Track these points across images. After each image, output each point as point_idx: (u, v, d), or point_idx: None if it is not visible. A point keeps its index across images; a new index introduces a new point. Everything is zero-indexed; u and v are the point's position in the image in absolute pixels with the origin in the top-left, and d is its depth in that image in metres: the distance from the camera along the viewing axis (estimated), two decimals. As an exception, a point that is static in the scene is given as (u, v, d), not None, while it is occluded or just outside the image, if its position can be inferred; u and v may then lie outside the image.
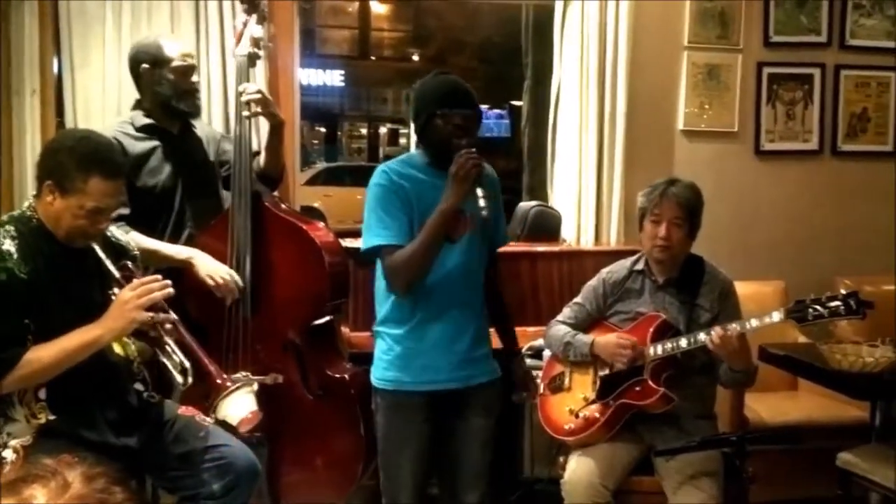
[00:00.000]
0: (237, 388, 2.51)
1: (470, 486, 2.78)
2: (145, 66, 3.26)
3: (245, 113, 3.19)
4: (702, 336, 2.77)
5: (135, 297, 2.38)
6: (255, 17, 3.27)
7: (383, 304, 2.75)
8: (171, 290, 2.43)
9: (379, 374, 2.75)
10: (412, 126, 2.75)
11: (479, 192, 2.52)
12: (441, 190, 2.59)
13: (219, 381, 2.49)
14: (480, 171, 2.54)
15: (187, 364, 2.45)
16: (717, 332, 2.73)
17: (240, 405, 2.52)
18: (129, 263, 2.54)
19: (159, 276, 2.46)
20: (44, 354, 2.34)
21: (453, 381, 2.71)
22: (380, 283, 2.75)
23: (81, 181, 2.37)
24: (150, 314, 2.39)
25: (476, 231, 2.71)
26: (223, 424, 2.63)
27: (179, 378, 2.45)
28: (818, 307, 2.64)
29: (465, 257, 2.68)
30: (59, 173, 2.39)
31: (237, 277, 3.13)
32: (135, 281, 2.44)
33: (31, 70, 3.81)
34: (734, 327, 2.72)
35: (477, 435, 2.77)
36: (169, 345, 2.46)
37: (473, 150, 2.56)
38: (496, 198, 2.81)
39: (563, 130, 4.32)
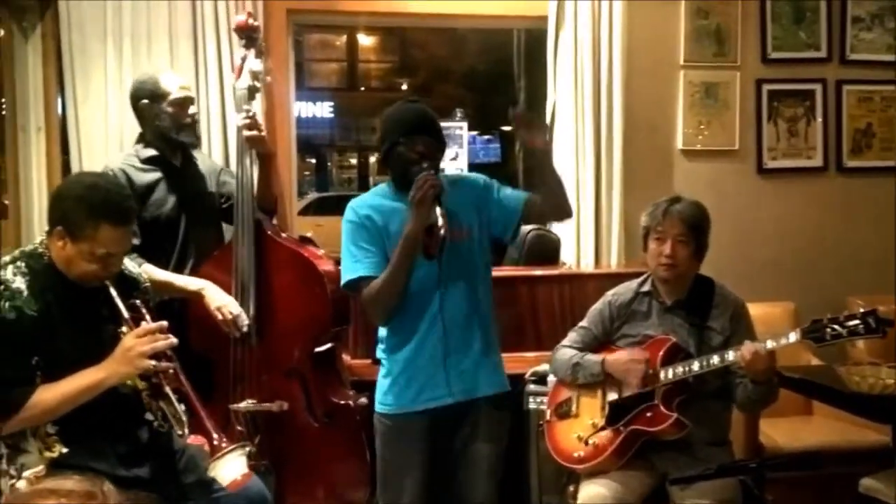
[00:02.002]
0: (231, 451, 2.52)
1: None
2: (144, 101, 3.34)
3: (245, 133, 3.26)
4: (730, 355, 2.69)
5: (139, 345, 2.39)
6: (253, 51, 3.36)
7: (380, 330, 2.81)
8: (174, 340, 2.44)
9: (379, 399, 2.79)
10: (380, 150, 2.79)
11: (438, 210, 2.55)
12: (408, 211, 2.64)
13: (214, 442, 2.49)
14: (439, 191, 2.57)
15: (184, 417, 2.47)
16: (748, 347, 2.64)
17: (231, 468, 2.52)
18: (138, 302, 2.56)
19: (165, 324, 2.47)
20: (48, 396, 2.36)
21: (453, 395, 2.70)
22: None
23: (91, 229, 2.38)
24: (153, 362, 2.40)
25: (463, 239, 2.72)
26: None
27: (176, 428, 2.48)
28: (836, 327, 2.56)
29: (451, 268, 2.69)
30: (68, 220, 2.40)
31: (244, 317, 3.18)
32: (142, 326, 2.46)
33: (35, 107, 3.91)
34: (769, 343, 2.64)
35: (481, 463, 2.74)
36: (168, 394, 2.47)
37: (432, 171, 2.61)
38: (483, 194, 2.81)
39: (558, 153, 4.27)
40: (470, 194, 2.79)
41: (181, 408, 2.48)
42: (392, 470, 2.74)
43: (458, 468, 2.74)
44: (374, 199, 2.79)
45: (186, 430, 2.48)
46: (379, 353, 2.82)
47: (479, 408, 2.73)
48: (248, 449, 2.68)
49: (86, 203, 2.39)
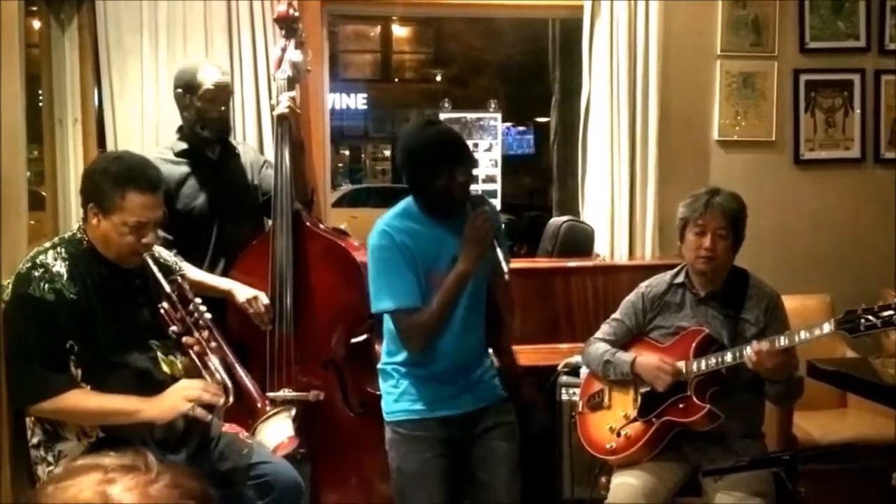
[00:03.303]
0: (276, 413, 2.52)
1: None
2: (179, 90, 3.36)
3: (280, 111, 3.28)
4: (748, 350, 2.67)
5: (190, 388, 2.46)
6: (293, 41, 3.36)
7: (390, 343, 2.77)
8: (222, 400, 2.48)
9: (389, 408, 2.76)
10: (404, 176, 2.72)
11: (500, 253, 2.56)
12: (441, 239, 2.64)
13: (258, 405, 2.51)
14: (497, 232, 2.58)
15: (229, 383, 2.50)
16: (753, 347, 2.63)
17: (277, 430, 2.52)
18: (179, 279, 2.61)
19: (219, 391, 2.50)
20: (86, 404, 2.44)
21: (464, 406, 2.73)
22: (388, 324, 2.75)
23: (119, 198, 2.43)
24: (191, 404, 2.44)
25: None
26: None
27: (221, 398, 2.50)
28: (871, 317, 2.53)
29: (473, 290, 2.70)
30: (97, 195, 2.47)
31: (265, 300, 3.19)
32: (201, 382, 2.48)
33: (72, 100, 3.93)
34: (782, 340, 2.61)
35: (502, 461, 2.74)
36: (212, 362, 2.51)
37: (486, 208, 2.61)
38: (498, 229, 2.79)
39: (593, 144, 4.27)
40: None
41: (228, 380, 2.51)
42: (408, 479, 2.71)
43: (479, 470, 2.73)
44: (405, 222, 2.69)
45: (231, 399, 2.50)
46: (387, 366, 2.78)
47: (488, 413, 2.75)
48: (293, 412, 2.69)
49: (110, 174, 2.46)
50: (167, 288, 2.51)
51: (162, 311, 2.51)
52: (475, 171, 2.76)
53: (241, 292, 3.18)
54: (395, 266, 2.63)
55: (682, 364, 2.79)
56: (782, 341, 2.61)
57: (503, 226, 2.89)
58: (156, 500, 1.07)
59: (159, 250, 2.77)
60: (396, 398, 2.74)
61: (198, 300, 2.55)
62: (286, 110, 3.26)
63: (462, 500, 2.76)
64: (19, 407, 2.46)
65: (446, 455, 2.70)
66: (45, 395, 2.41)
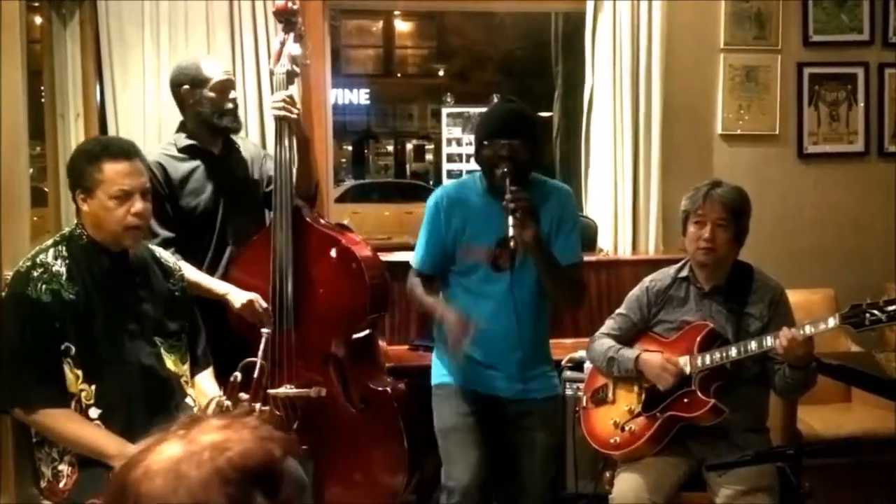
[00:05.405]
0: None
1: (527, 501, 2.83)
2: (185, 86, 3.33)
3: (275, 113, 3.26)
4: (768, 341, 2.66)
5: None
6: (292, 35, 3.34)
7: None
8: None
9: (433, 370, 2.96)
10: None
11: (510, 220, 2.53)
12: (491, 215, 2.68)
13: None
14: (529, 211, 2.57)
15: None
16: (785, 333, 2.62)
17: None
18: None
19: None
20: (62, 428, 2.41)
21: (502, 391, 2.83)
22: (442, 294, 2.89)
23: (97, 172, 2.45)
24: None
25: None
26: None
27: None
28: (876, 312, 2.53)
29: (521, 282, 2.74)
30: (78, 178, 2.49)
31: (262, 303, 3.17)
32: None
33: (74, 94, 3.92)
34: (807, 329, 2.62)
35: (536, 450, 2.83)
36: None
37: (519, 189, 2.57)
38: (563, 217, 2.82)
39: (596, 138, 4.27)
40: (555, 208, 2.81)
41: None
42: (441, 433, 2.84)
43: (513, 455, 2.82)
44: (462, 190, 2.85)
45: None
46: (437, 328, 2.90)
47: (528, 402, 2.82)
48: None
49: (85, 153, 2.52)
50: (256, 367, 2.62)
51: (233, 377, 2.55)
52: (525, 152, 2.67)
53: (237, 298, 3.13)
54: (428, 227, 2.85)
55: (685, 361, 2.79)
56: (808, 329, 2.61)
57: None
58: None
59: (159, 251, 2.77)
60: (437, 365, 2.93)
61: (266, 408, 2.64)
62: (281, 113, 3.23)
63: (496, 465, 2.84)
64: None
65: (478, 413, 2.81)
66: (22, 403, 2.41)
